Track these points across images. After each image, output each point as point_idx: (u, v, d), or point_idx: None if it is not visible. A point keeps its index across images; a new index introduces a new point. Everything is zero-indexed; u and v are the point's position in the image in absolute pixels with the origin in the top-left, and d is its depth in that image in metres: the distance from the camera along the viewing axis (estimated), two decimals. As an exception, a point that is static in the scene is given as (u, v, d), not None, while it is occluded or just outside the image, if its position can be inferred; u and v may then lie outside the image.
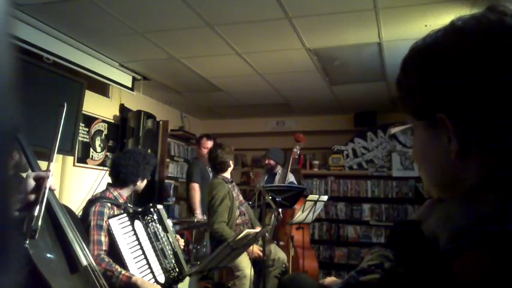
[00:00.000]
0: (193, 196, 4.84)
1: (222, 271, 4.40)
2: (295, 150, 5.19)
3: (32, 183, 1.58)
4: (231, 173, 3.99)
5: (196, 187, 4.85)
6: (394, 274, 0.58)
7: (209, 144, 4.95)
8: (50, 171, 1.61)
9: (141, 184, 2.74)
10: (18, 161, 3.10)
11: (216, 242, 3.60)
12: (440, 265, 0.50)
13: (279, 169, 5.14)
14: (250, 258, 3.61)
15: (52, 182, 1.65)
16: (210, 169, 4.94)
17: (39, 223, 1.52)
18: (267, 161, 5.14)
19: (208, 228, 3.74)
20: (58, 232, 1.80)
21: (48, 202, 1.66)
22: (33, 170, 1.68)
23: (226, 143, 4.07)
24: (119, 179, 2.65)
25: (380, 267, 0.62)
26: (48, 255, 1.72)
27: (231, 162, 3.84)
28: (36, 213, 1.52)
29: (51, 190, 1.69)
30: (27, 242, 1.52)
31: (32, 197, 1.56)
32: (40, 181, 1.58)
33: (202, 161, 5.01)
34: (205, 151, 4.94)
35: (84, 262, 1.83)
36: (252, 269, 3.55)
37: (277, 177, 5.09)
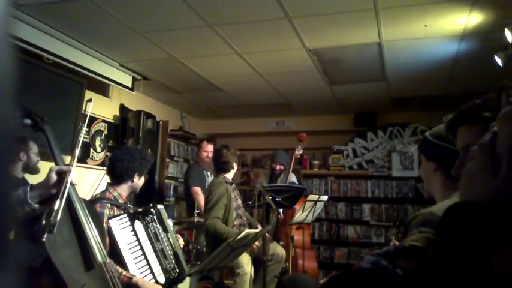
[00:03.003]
0: (199, 200, 4.72)
1: (222, 271, 4.40)
2: (297, 150, 5.19)
3: (54, 177, 1.59)
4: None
5: (199, 191, 4.77)
6: (432, 269, 0.58)
7: (209, 148, 4.92)
8: (72, 165, 1.61)
9: (139, 182, 2.72)
10: (26, 162, 3.09)
11: (214, 243, 3.60)
12: (478, 257, 0.52)
13: None
14: (250, 256, 3.62)
15: (74, 176, 1.66)
16: (208, 173, 4.94)
17: (58, 217, 1.52)
18: (277, 167, 5.02)
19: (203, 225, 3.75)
20: (76, 227, 1.78)
21: (68, 197, 1.68)
22: (57, 164, 1.69)
23: (227, 143, 4.08)
24: (115, 174, 2.63)
25: (421, 253, 0.61)
26: (65, 250, 1.70)
27: (234, 165, 3.84)
28: (56, 207, 1.53)
29: (72, 185, 1.70)
30: (45, 235, 1.51)
31: (54, 190, 1.57)
32: (62, 175, 1.56)
33: (201, 164, 4.98)
34: (205, 155, 4.91)
35: (100, 259, 1.81)
36: (252, 268, 3.55)
37: (279, 178, 5.08)
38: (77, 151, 1.77)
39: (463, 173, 0.68)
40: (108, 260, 1.90)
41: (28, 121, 1.72)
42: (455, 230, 0.60)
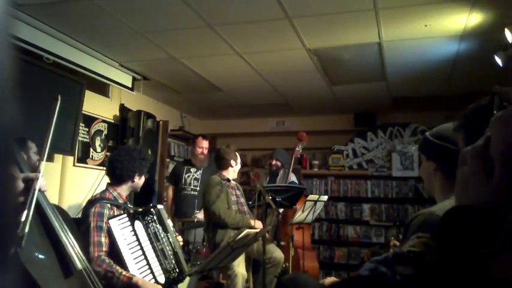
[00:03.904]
0: (166, 198, 5.00)
1: (220, 271, 4.39)
2: (297, 149, 5.19)
3: (21, 184, 1.50)
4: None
5: (168, 189, 5.02)
6: (431, 274, 0.59)
7: (204, 144, 4.96)
8: (39, 172, 1.53)
9: (139, 181, 2.72)
10: (28, 162, 3.09)
11: (214, 245, 3.62)
12: (478, 264, 0.52)
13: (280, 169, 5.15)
14: (248, 256, 3.63)
15: (42, 183, 1.58)
16: (194, 170, 4.96)
17: (26, 229, 1.43)
18: (274, 162, 5.13)
19: (205, 218, 3.79)
20: (50, 235, 1.71)
21: (39, 204, 1.59)
22: (21, 171, 1.60)
23: (227, 143, 4.14)
24: (115, 175, 2.63)
25: (419, 258, 0.62)
26: (41, 259, 1.64)
27: (232, 162, 3.92)
28: (23, 219, 1.44)
29: (41, 191, 1.62)
30: (12, 249, 1.44)
31: (21, 199, 1.49)
32: (29, 182, 1.51)
33: (195, 160, 5.01)
34: (199, 151, 4.95)
35: (79, 266, 1.76)
36: (250, 269, 3.55)
37: (278, 177, 5.08)
38: (45, 154, 1.66)
39: (457, 177, 0.68)
40: (89, 266, 1.84)
41: None
42: (452, 234, 0.61)
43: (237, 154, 4.01)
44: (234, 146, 4.01)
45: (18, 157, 1.65)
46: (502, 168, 0.59)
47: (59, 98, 1.72)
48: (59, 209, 1.84)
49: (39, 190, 1.58)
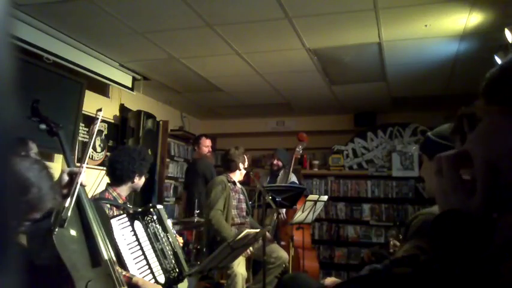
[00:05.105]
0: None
1: (222, 271, 4.39)
2: (297, 149, 5.19)
3: (66, 178, 1.70)
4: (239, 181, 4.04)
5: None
6: (429, 271, 0.59)
7: (208, 142, 4.96)
8: (83, 167, 1.72)
9: (139, 181, 2.73)
10: None
11: (211, 242, 3.61)
12: (487, 266, 0.53)
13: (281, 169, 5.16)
14: (246, 257, 3.62)
15: (84, 178, 1.76)
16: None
17: (69, 213, 1.64)
18: (275, 162, 5.13)
19: (204, 218, 3.78)
20: (84, 225, 1.86)
21: (78, 196, 1.77)
22: (68, 166, 1.80)
23: (227, 143, 4.12)
24: (115, 176, 2.64)
25: (414, 260, 0.63)
26: (72, 246, 1.77)
27: (241, 166, 3.90)
28: (66, 205, 1.65)
29: (82, 185, 1.81)
30: (56, 230, 1.61)
31: (65, 191, 1.69)
32: (73, 176, 1.70)
33: (203, 160, 5.01)
34: (206, 150, 4.95)
35: (106, 257, 1.88)
36: (251, 269, 3.55)
37: (279, 178, 5.09)
38: (88, 153, 1.90)
39: (436, 187, 0.68)
40: (114, 258, 1.95)
41: (44, 126, 1.85)
42: (444, 237, 0.61)
43: (245, 157, 3.98)
44: (242, 149, 3.97)
45: (67, 152, 1.84)
46: (483, 188, 0.59)
47: (102, 109, 1.98)
48: (95, 204, 1.98)
49: (80, 184, 1.74)
